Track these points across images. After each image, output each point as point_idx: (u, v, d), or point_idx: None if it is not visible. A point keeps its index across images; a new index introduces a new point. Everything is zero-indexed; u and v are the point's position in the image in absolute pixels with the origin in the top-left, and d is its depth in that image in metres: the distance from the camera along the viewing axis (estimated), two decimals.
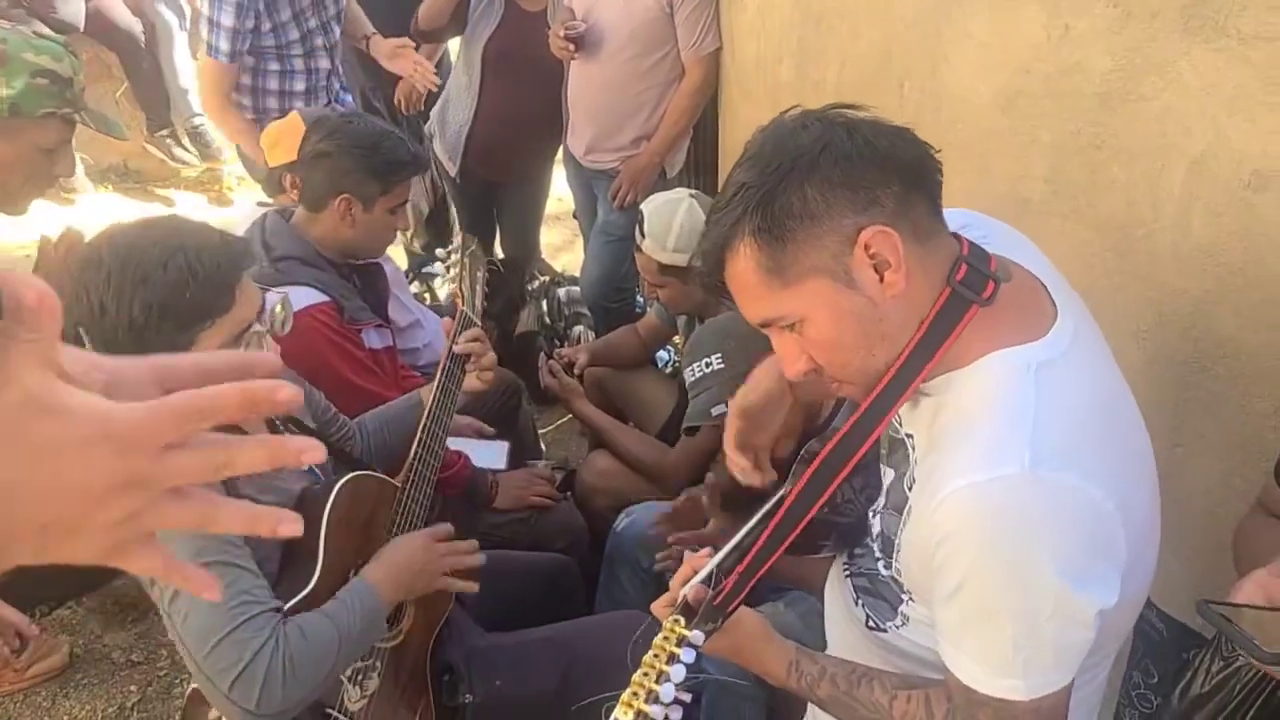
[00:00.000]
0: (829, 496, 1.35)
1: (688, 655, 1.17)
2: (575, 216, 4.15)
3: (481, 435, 2.73)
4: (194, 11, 5.11)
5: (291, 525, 0.54)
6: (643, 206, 2.68)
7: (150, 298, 1.45)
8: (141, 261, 1.45)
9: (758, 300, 1.10)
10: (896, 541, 1.20)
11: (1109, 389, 1.13)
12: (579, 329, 3.97)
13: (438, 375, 1.96)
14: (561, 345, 3.75)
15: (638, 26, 3.12)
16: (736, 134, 3.31)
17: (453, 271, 2.16)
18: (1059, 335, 1.09)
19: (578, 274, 3.99)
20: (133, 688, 2.38)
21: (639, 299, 3.68)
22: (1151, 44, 1.61)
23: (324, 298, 2.24)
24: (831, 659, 1.29)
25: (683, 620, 1.20)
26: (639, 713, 1.13)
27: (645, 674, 1.15)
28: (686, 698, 1.18)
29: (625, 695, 1.15)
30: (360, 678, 1.67)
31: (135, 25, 5.16)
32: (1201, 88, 1.54)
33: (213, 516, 0.54)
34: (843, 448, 1.17)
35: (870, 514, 1.33)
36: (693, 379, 2.19)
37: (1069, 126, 1.83)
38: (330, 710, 1.60)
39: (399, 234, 2.73)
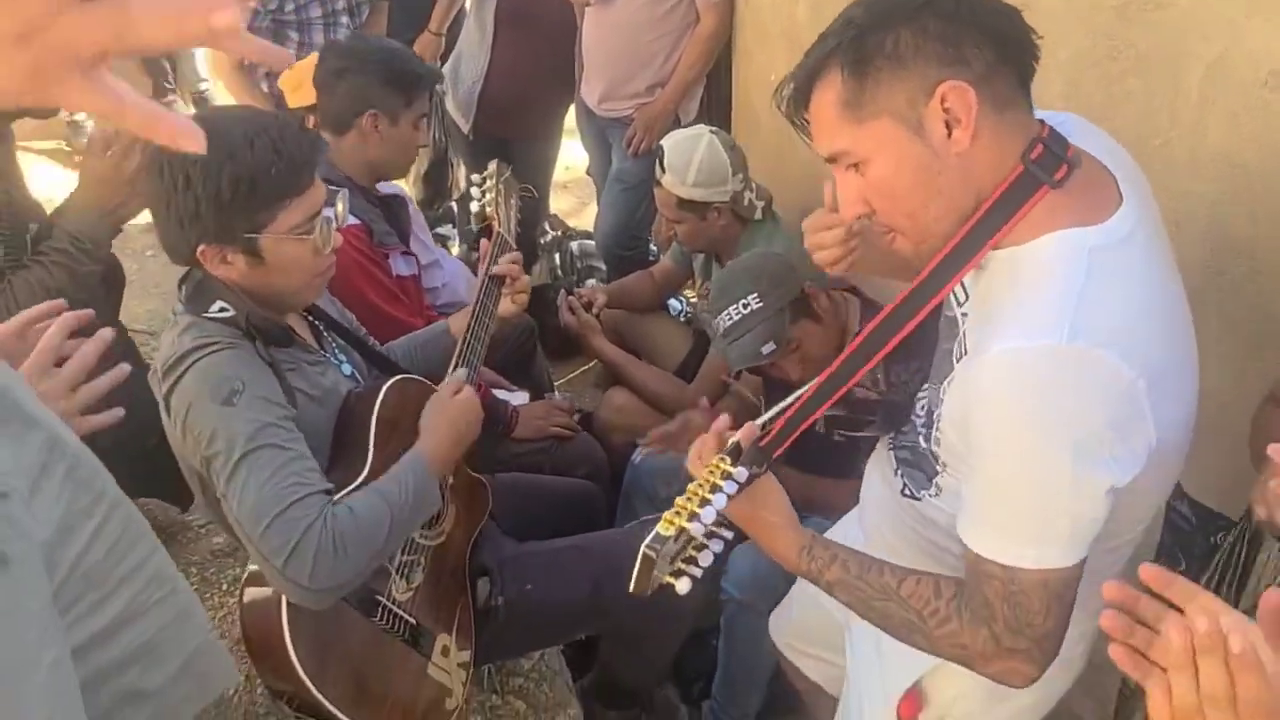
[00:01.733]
0: (879, 364, 1.42)
1: (730, 487, 1.21)
2: (589, 173, 4.17)
3: (500, 386, 2.78)
4: None
5: (190, 140, 0.51)
6: (663, 142, 2.73)
7: (238, 172, 1.50)
8: (228, 138, 1.50)
9: (830, 132, 1.14)
10: (938, 412, 1.24)
11: (1161, 287, 1.15)
12: (591, 282, 4.00)
13: (476, 293, 2.01)
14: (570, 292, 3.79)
15: None
16: (750, 80, 3.35)
17: (488, 196, 2.20)
18: (1119, 224, 1.11)
19: (590, 230, 4.03)
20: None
21: (653, 248, 3.73)
22: None
23: (354, 220, 2.28)
24: (845, 547, 1.31)
25: (729, 459, 1.25)
26: (680, 529, 1.18)
27: (689, 498, 1.20)
28: (728, 534, 1.23)
29: (668, 514, 1.19)
30: (407, 571, 1.73)
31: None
32: None
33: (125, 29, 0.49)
34: (897, 315, 1.22)
35: (920, 393, 1.38)
36: (730, 323, 2.19)
37: (1085, 42, 1.88)
38: (380, 597, 1.66)
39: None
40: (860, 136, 1.11)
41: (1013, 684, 1.19)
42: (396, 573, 1.71)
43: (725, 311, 2.19)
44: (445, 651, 1.78)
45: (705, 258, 3.01)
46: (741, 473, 1.23)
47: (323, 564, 1.46)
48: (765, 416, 1.34)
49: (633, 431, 2.75)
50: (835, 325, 2.29)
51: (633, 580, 1.19)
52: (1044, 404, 1.05)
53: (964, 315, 1.23)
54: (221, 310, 1.60)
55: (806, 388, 1.31)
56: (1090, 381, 1.04)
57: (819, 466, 2.35)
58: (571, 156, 4.14)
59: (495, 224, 2.15)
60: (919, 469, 1.37)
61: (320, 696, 1.54)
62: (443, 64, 4.05)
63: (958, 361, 1.21)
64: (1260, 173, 1.61)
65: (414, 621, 1.72)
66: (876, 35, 1.08)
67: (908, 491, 1.39)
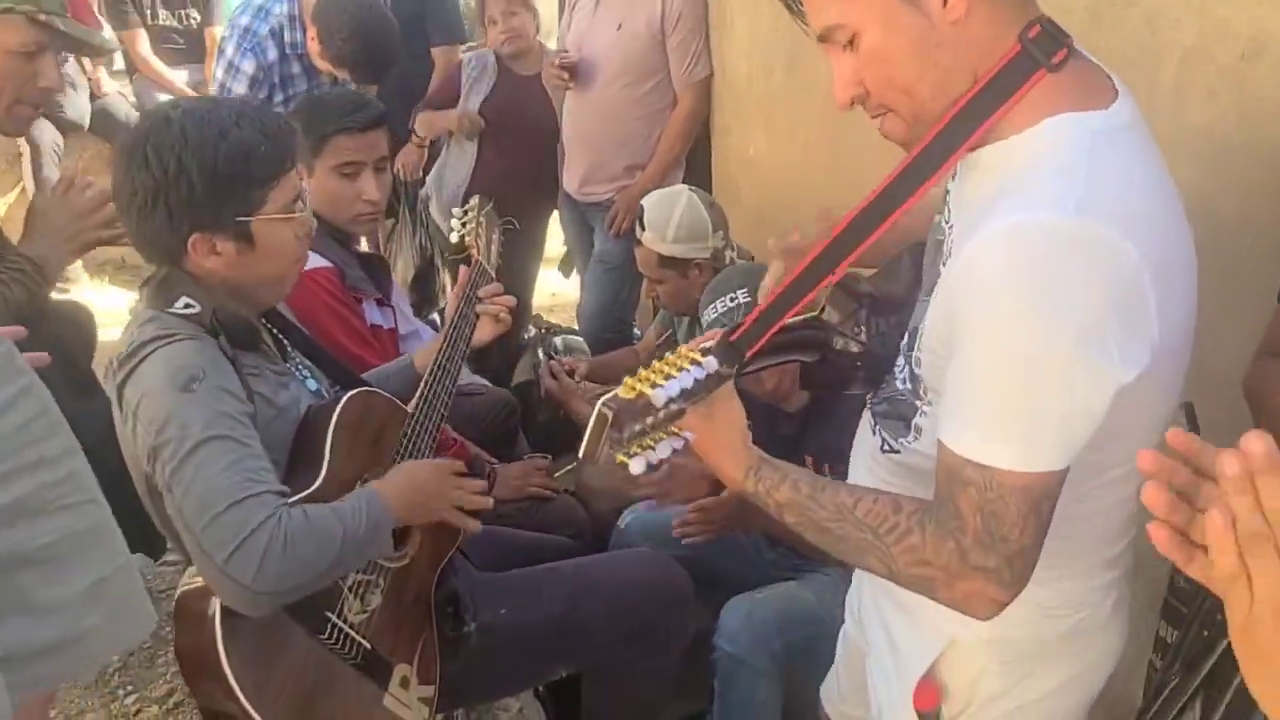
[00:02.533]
0: (863, 316, 1.33)
1: (697, 372, 1.10)
2: (562, 268, 4.15)
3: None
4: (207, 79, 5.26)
5: None
6: (642, 202, 2.72)
7: (232, 151, 1.48)
8: (215, 118, 1.50)
9: (818, 5, 1.08)
10: (921, 326, 1.15)
11: (1162, 183, 1.08)
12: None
13: (449, 320, 1.96)
14: None
15: (630, 55, 3.23)
16: (730, 156, 3.37)
17: (468, 226, 2.17)
18: (1119, 111, 1.05)
19: (572, 325, 4.01)
20: (114, 657, 2.25)
21: (636, 331, 3.68)
22: None
23: (325, 262, 2.23)
24: (796, 468, 1.20)
25: (698, 352, 1.14)
26: (640, 394, 1.06)
27: (653, 372, 1.09)
28: (688, 436, 1.12)
29: (628, 379, 1.08)
30: (362, 590, 1.59)
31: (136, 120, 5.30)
32: None
33: None
34: (881, 203, 1.13)
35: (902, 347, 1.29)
36: (714, 315, 2.16)
37: None
38: (329, 614, 1.52)
39: None
40: (852, 7, 1.05)
41: (975, 612, 1.07)
42: (350, 591, 1.57)
43: (712, 304, 2.15)
44: (405, 683, 1.62)
45: (690, 325, 2.96)
46: (711, 362, 1.12)
47: (270, 563, 1.35)
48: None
49: (617, 497, 2.64)
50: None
51: (584, 441, 1.07)
52: (1044, 279, 0.96)
53: (950, 227, 1.15)
54: (186, 307, 1.53)
55: (780, 283, 1.22)
56: (1095, 260, 0.96)
57: None
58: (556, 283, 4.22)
59: (475, 252, 2.10)
60: (896, 417, 1.27)
61: (257, 716, 1.38)
62: (426, 174, 4.13)
63: (944, 265, 1.12)
64: (1243, 146, 1.57)
65: (368, 646, 1.57)
66: None
67: (886, 446, 1.29)
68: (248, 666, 1.40)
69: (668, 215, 2.62)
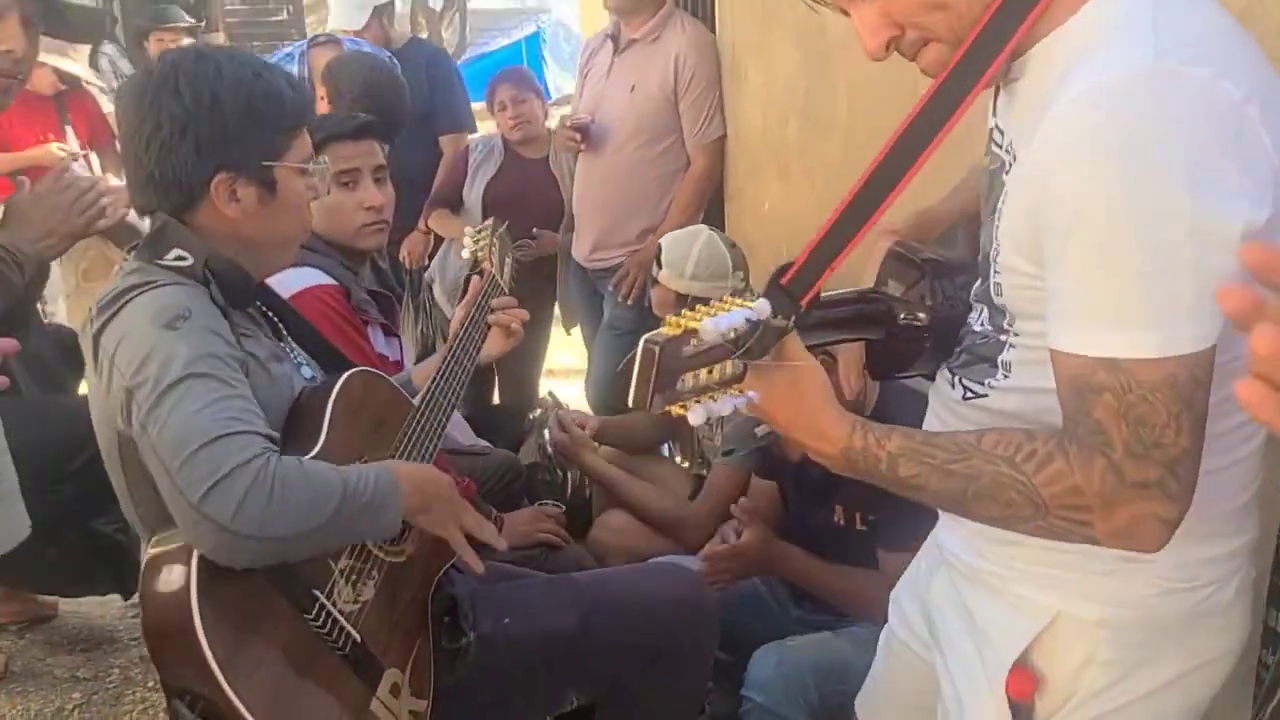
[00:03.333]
0: (927, 283, 1.21)
1: (749, 313, 0.97)
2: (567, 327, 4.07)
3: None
4: None
5: None
6: (660, 242, 2.65)
7: (266, 89, 1.46)
8: (248, 59, 1.49)
9: None
10: (995, 242, 1.03)
11: (1240, 31, 0.96)
12: None
13: (461, 320, 1.88)
14: (564, 476, 3.58)
15: (643, 117, 3.22)
16: (744, 215, 3.33)
17: (481, 242, 2.09)
18: None
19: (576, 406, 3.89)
20: (76, 694, 2.04)
21: None
22: None
23: (330, 280, 2.13)
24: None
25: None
26: (688, 330, 0.92)
27: (697, 312, 0.96)
28: (751, 395, 0.99)
29: (670, 318, 0.95)
30: (355, 578, 1.43)
31: (141, 223, 5.31)
32: None
33: None
34: (930, 115, 1.01)
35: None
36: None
37: None
38: (318, 594, 1.35)
39: None
40: None
41: (1145, 542, 0.92)
42: (342, 576, 1.40)
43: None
44: (395, 690, 1.43)
45: None
46: (763, 305, 0.99)
47: (253, 504, 1.21)
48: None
49: (632, 555, 2.48)
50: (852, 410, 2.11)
51: (631, 386, 0.93)
52: (1145, 133, 0.85)
53: (1005, 140, 1.05)
54: (178, 259, 1.43)
55: (824, 222, 1.10)
56: (1191, 100, 0.85)
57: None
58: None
59: (488, 265, 2.01)
60: (979, 360, 1.13)
61: (231, 693, 1.20)
62: (430, 260, 4.10)
63: (1008, 173, 1.02)
64: None
65: (358, 638, 1.39)
66: None
67: (970, 394, 1.14)
68: (223, 636, 1.23)
69: (686, 252, 2.55)
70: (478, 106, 4.30)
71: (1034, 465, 0.93)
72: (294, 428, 1.45)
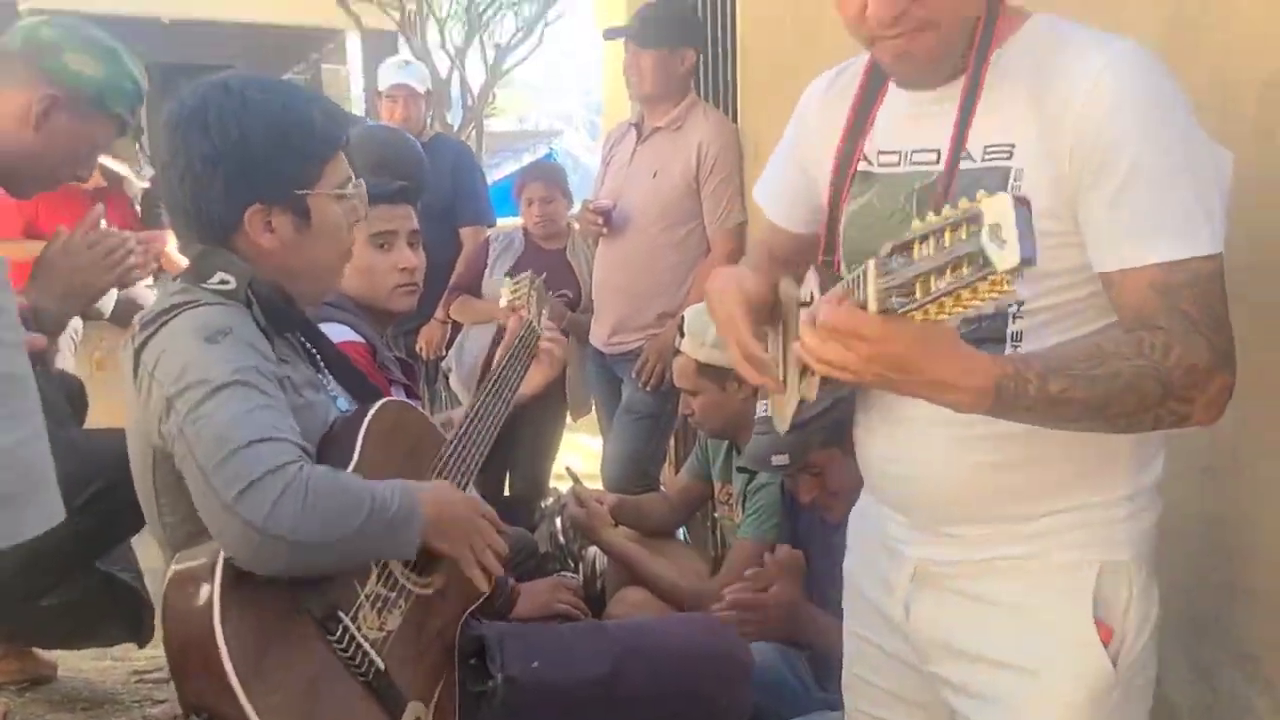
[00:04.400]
0: None
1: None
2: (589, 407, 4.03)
3: None
4: None
5: None
6: (683, 313, 2.65)
7: (294, 119, 1.47)
8: (277, 92, 1.49)
9: None
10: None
11: None
12: (594, 549, 3.74)
13: (500, 357, 1.90)
14: (575, 567, 3.52)
15: (665, 202, 3.26)
16: None
17: (519, 291, 2.12)
18: None
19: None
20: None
21: (663, 488, 3.50)
22: None
23: (358, 337, 2.13)
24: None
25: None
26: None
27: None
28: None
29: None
30: (380, 605, 1.38)
31: (149, 298, 5.36)
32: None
33: None
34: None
35: None
36: (761, 414, 2.03)
37: None
38: (343, 615, 1.30)
39: None
40: None
41: (1216, 410, 1.08)
42: (368, 601, 1.35)
43: (763, 401, 2.00)
44: None
45: (725, 456, 2.80)
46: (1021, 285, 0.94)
47: (286, 506, 1.19)
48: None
49: None
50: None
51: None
52: (1168, 89, 1.10)
53: (988, 148, 1.17)
54: (222, 283, 1.43)
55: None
56: (1170, 73, 1.11)
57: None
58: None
59: (524, 312, 2.03)
60: (983, 341, 1.14)
61: (250, 711, 1.15)
62: (447, 349, 4.11)
63: (1014, 148, 1.15)
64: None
65: (382, 666, 1.33)
66: None
67: None
68: (246, 652, 1.18)
69: (708, 320, 2.54)
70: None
71: (1159, 353, 1.04)
72: (326, 452, 1.43)
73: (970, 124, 1.15)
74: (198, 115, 1.44)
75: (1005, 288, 0.82)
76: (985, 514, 1.21)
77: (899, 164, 1.23)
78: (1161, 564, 1.26)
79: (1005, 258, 0.80)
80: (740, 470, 2.67)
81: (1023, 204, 0.82)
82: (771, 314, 1.30)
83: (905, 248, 0.87)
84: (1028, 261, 0.80)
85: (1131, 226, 1.08)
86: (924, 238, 0.85)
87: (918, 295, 0.85)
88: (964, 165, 1.16)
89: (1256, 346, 1.22)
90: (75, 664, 2.27)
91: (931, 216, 0.85)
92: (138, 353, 1.36)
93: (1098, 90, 1.07)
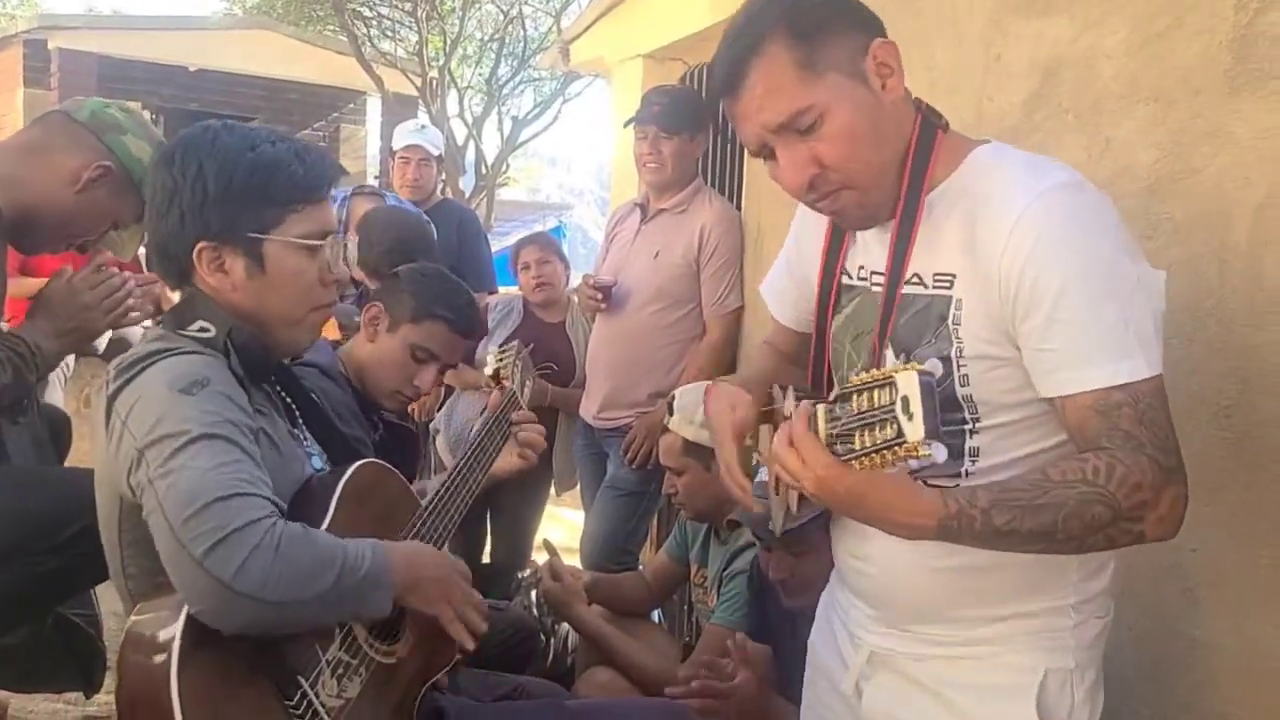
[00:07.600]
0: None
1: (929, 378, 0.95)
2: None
3: None
4: None
5: None
6: (674, 391, 2.65)
7: (256, 162, 1.43)
8: (252, 135, 1.47)
9: (790, 94, 1.18)
10: (956, 345, 1.20)
11: None
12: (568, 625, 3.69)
13: (472, 439, 1.86)
14: (548, 641, 3.46)
15: (664, 282, 3.28)
16: None
17: (505, 360, 2.11)
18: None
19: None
20: None
21: (642, 567, 3.46)
22: (1198, 118, 1.72)
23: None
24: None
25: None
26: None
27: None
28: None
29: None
30: (341, 672, 1.35)
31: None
32: (1254, 136, 1.63)
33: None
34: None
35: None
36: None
37: None
38: (302, 680, 1.27)
39: None
40: (820, 89, 1.18)
41: (1175, 522, 1.12)
42: (329, 667, 1.32)
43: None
44: None
45: (703, 539, 2.77)
46: (940, 450, 0.96)
47: (256, 563, 1.17)
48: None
49: None
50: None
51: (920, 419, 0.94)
52: (1091, 221, 1.15)
53: (934, 276, 1.23)
54: (201, 330, 1.43)
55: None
56: (1102, 201, 1.18)
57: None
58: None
59: (508, 382, 2.02)
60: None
61: None
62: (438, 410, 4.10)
63: (952, 287, 1.21)
64: None
65: None
66: (808, 5, 1.21)
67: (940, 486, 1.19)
68: (200, 713, 1.15)
69: (699, 398, 2.53)
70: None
71: (1104, 476, 1.09)
72: (300, 509, 1.41)
73: (907, 261, 1.23)
74: (170, 152, 1.46)
75: (920, 453, 0.92)
76: (945, 615, 1.27)
77: (869, 281, 1.31)
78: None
79: (914, 429, 0.91)
80: (721, 545, 2.65)
81: (928, 380, 0.92)
82: (772, 414, 1.33)
83: (845, 397, 0.98)
84: (932, 434, 0.90)
85: (1063, 356, 1.14)
86: (860, 391, 0.96)
87: (855, 446, 0.96)
88: (913, 290, 1.24)
89: None
90: (25, 704, 2.21)
91: (862, 374, 0.97)
92: (111, 399, 1.34)
93: (1019, 230, 1.14)
